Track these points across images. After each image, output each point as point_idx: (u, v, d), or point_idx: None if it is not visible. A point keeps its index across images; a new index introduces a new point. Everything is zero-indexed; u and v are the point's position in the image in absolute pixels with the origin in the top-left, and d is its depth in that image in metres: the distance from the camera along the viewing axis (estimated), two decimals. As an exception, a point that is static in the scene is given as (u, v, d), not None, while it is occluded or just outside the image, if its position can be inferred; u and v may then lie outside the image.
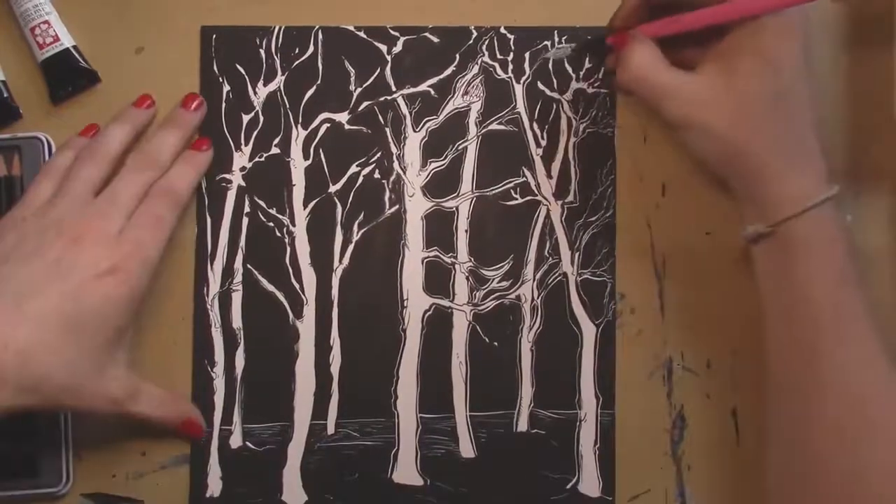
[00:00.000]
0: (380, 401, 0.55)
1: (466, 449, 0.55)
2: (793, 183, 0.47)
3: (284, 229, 0.55)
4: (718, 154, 0.49)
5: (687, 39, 0.50)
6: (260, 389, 0.55)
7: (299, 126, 0.56)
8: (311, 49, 0.56)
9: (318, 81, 0.56)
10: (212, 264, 0.55)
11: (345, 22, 0.56)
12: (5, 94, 0.55)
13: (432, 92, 0.56)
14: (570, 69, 0.56)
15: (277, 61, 0.56)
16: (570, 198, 0.56)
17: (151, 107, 0.55)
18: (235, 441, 0.54)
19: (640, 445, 0.55)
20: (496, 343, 0.55)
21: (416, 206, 0.56)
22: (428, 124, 0.56)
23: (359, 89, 0.56)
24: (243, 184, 0.55)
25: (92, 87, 0.56)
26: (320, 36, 0.56)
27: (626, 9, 0.51)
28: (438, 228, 0.55)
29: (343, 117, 0.56)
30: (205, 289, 0.55)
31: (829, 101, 0.56)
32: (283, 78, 0.56)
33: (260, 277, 0.55)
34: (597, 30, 0.55)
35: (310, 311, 0.55)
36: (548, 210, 0.56)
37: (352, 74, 0.56)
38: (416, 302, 0.55)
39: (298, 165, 0.56)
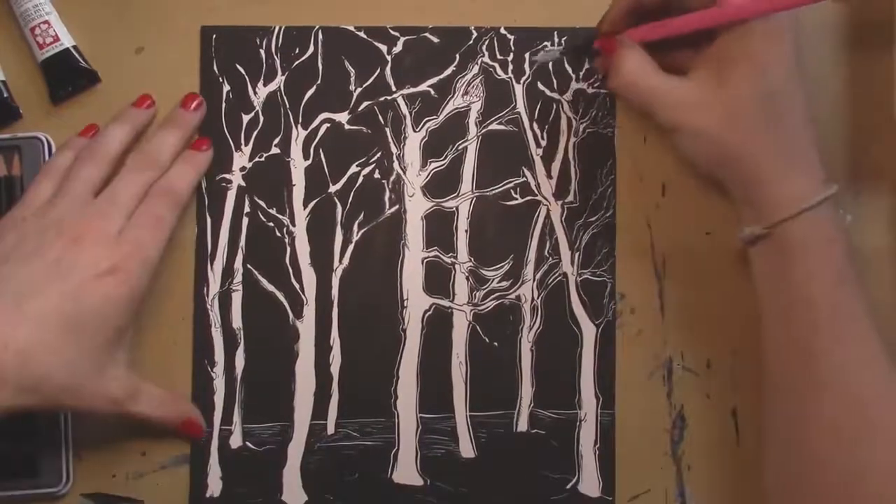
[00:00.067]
0: (380, 401, 0.55)
1: (466, 449, 0.55)
2: (788, 184, 0.47)
3: (284, 229, 0.55)
4: (712, 157, 0.49)
5: (676, 44, 0.50)
6: (260, 389, 0.55)
7: (299, 126, 0.56)
8: (311, 49, 0.56)
9: (318, 81, 0.56)
10: (212, 264, 0.55)
11: (345, 22, 0.56)
12: (5, 94, 0.55)
13: (432, 92, 0.56)
14: (569, 69, 0.56)
15: (277, 61, 0.56)
16: (570, 198, 0.56)
17: (151, 107, 0.55)
18: (235, 441, 0.54)
19: (640, 445, 0.55)
20: (496, 343, 0.55)
21: (416, 206, 0.56)
22: (428, 124, 0.56)
23: (359, 89, 0.56)
24: (243, 184, 0.55)
25: (92, 87, 0.56)
26: (320, 36, 0.56)
27: (614, 13, 0.51)
28: (438, 228, 0.55)
29: (343, 117, 0.56)
30: (205, 289, 0.55)
31: (829, 101, 0.56)
32: (283, 78, 0.56)
33: (260, 277, 0.55)
34: (589, 33, 0.55)
35: (310, 311, 0.55)
36: (548, 210, 0.56)
37: (352, 74, 0.56)
38: (416, 302, 0.55)
39: (298, 165, 0.56)
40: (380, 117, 0.56)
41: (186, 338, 0.55)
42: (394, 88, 0.56)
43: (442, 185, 0.56)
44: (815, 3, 0.47)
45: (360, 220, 0.55)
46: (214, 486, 0.54)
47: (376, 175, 0.56)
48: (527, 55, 0.56)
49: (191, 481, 0.54)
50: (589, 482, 0.54)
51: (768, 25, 0.47)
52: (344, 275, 0.55)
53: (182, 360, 0.55)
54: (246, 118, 0.56)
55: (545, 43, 0.56)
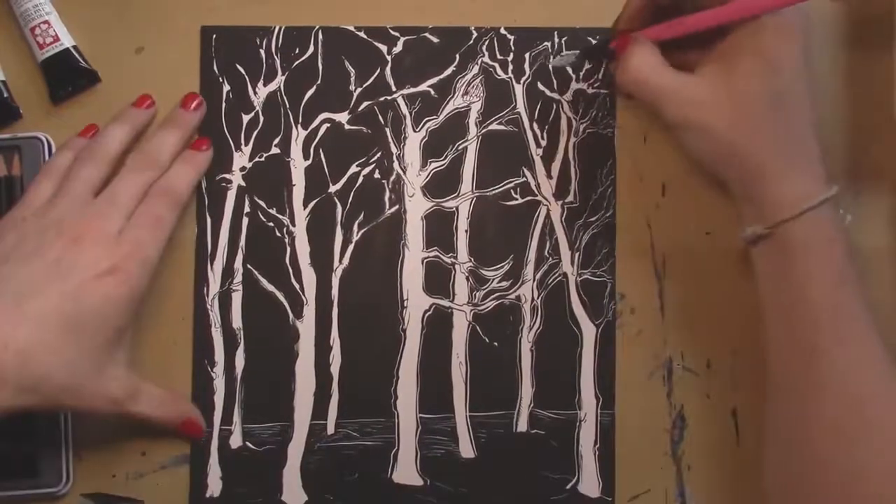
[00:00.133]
0: (380, 401, 0.55)
1: (466, 449, 0.55)
2: (791, 184, 0.47)
3: (284, 229, 0.55)
4: (717, 155, 0.49)
5: (689, 42, 0.50)
6: (260, 389, 0.55)
7: (299, 126, 0.56)
8: (312, 49, 0.56)
9: (318, 81, 0.56)
10: (212, 264, 0.55)
11: (345, 22, 0.56)
12: (5, 94, 0.55)
13: (432, 92, 0.56)
14: (569, 69, 0.56)
15: (277, 61, 0.56)
16: (570, 198, 0.56)
17: (151, 107, 0.55)
18: (235, 441, 0.54)
19: (640, 445, 0.55)
20: (496, 343, 0.55)
21: (416, 206, 0.56)
22: (428, 124, 0.56)
23: (359, 89, 0.56)
24: (243, 184, 0.55)
25: (92, 87, 0.56)
26: (320, 36, 0.56)
27: (629, 11, 0.51)
28: (438, 228, 0.55)
29: (343, 117, 0.56)
30: (205, 289, 0.55)
31: (828, 101, 0.56)
32: (283, 78, 0.56)
33: (260, 277, 0.55)
34: (596, 31, 0.55)
35: (310, 311, 0.55)
36: (548, 210, 0.56)
37: (352, 74, 0.56)
38: (416, 302, 0.55)
39: (298, 165, 0.56)
40: (380, 117, 0.56)
41: (186, 338, 0.55)
42: (394, 88, 0.56)
43: (442, 185, 0.56)
44: None
45: (360, 220, 0.55)
46: (214, 486, 0.54)
47: (376, 175, 0.56)
48: (527, 55, 0.56)
49: (191, 481, 0.54)
50: (589, 482, 0.54)
51: (780, 22, 0.47)
52: (344, 275, 0.55)
53: (182, 360, 0.55)
54: (246, 118, 0.56)
55: (545, 43, 0.56)
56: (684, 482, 0.55)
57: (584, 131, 0.56)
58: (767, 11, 0.47)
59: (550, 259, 0.55)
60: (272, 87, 0.56)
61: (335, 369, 0.55)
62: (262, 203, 0.55)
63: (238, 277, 0.55)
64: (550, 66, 0.56)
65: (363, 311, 0.55)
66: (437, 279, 0.55)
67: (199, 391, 0.54)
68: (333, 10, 0.56)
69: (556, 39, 0.56)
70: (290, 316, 0.55)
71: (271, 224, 0.55)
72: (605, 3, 0.53)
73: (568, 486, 0.54)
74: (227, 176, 0.55)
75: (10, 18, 0.55)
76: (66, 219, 0.49)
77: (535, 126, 0.56)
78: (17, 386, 0.46)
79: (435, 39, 0.56)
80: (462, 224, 0.56)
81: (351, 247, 0.55)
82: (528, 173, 0.56)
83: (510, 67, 0.56)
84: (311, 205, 0.55)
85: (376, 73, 0.56)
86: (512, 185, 0.56)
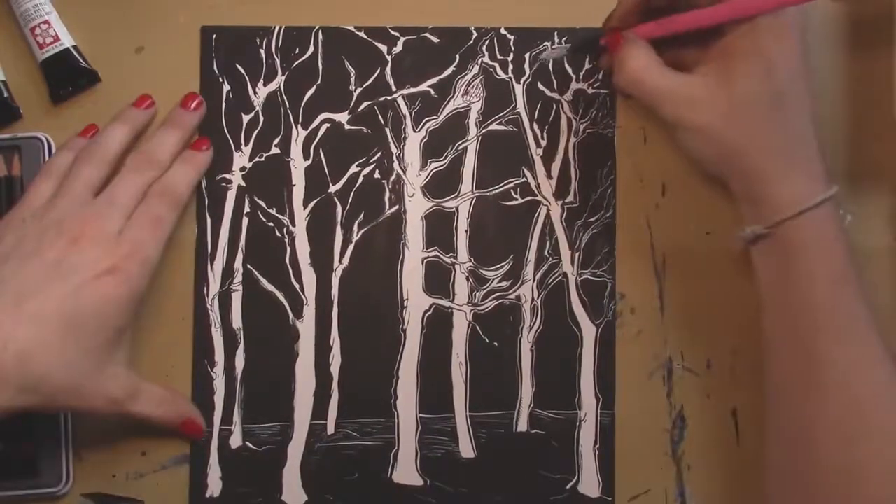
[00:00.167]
0: (380, 401, 0.55)
1: (466, 449, 0.55)
2: (790, 184, 0.47)
3: (284, 229, 0.55)
4: (715, 155, 0.49)
5: (682, 40, 0.50)
6: (260, 389, 0.55)
7: (299, 126, 0.56)
8: (312, 49, 0.56)
9: (318, 81, 0.56)
10: (212, 264, 0.55)
11: (345, 22, 0.56)
12: (5, 94, 0.55)
13: (432, 92, 0.56)
14: (570, 69, 0.56)
15: (277, 61, 0.56)
16: (570, 198, 0.56)
17: (151, 107, 0.55)
18: (235, 441, 0.54)
19: (640, 445, 0.55)
20: (496, 343, 0.55)
21: (416, 206, 0.56)
22: (428, 124, 0.56)
23: (359, 89, 0.56)
24: (243, 184, 0.55)
25: (92, 87, 0.56)
26: (320, 36, 0.56)
27: (622, 9, 0.51)
28: (438, 228, 0.55)
29: (343, 117, 0.56)
30: (205, 289, 0.55)
31: (828, 100, 0.56)
32: (284, 78, 0.56)
33: (260, 277, 0.55)
34: (596, 31, 0.55)
35: (310, 310, 0.55)
36: (548, 210, 0.56)
37: (352, 74, 0.56)
38: (416, 302, 0.55)
39: (298, 165, 0.56)
40: (380, 117, 0.56)
41: (186, 338, 0.55)
42: (394, 88, 0.56)
43: (442, 185, 0.56)
44: None
45: (360, 220, 0.55)
46: (214, 486, 0.54)
47: (376, 175, 0.56)
48: (527, 55, 0.56)
49: (191, 481, 0.54)
50: (589, 482, 0.54)
51: (776, 23, 0.47)
52: (344, 275, 0.55)
53: (182, 360, 0.55)
54: (246, 118, 0.56)
55: (545, 44, 0.56)
56: (684, 482, 0.55)
57: (584, 131, 0.56)
58: (764, 13, 0.47)
59: (550, 259, 0.55)
60: (272, 87, 0.56)
61: (335, 369, 0.55)
62: (262, 203, 0.55)
63: (238, 277, 0.55)
64: (545, 58, 0.55)
65: (363, 311, 0.55)
66: (437, 279, 0.55)
67: (198, 391, 0.54)
68: (333, 10, 0.56)
69: (556, 39, 0.56)
70: (290, 316, 0.55)
71: (271, 224, 0.55)
72: (606, 3, 0.53)
73: (568, 486, 0.54)
74: (227, 176, 0.55)
75: (10, 18, 0.55)
76: (66, 219, 0.49)
77: (535, 126, 0.56)
78: (17, 386, 0.46)
79: (435, 39, 0.56)
80: (462, 224, 0.56)
81: (351, 247, 0.55)
82: (528, 173, 0.56)
83: (510, 67, 0.56)
84: (311, 205, 0.55)
85: (376, 73, 0.56)
86: (512, 185, 0.56)
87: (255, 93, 0.56)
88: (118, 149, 0.53)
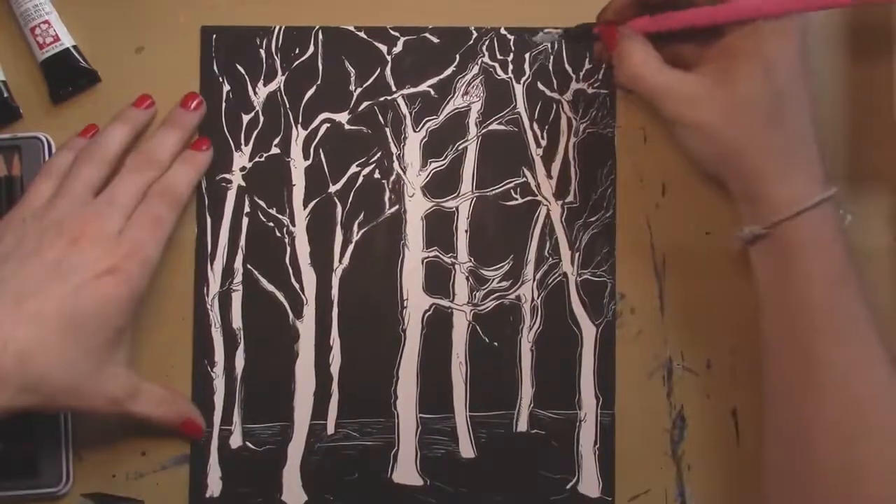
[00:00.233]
0: (380, 401, 0.55)
1: (466, 449, 0.55)
2: (789, 185, 0.47)
3: (284, 229, 0.55)
4: (714, 154, 0.49)
5: (682, 38, 0.50)
6: (260, 389, 0.55)
7: (299, 126, 0.56)
8: (312, 49, 0.56)
9: (318, 81, 0.56)
10: (212, 264, 0.55)
11: (345, 22, 0.56)
12: (5, 94, 0.55)
13: (432, 92, 0.56)
14: (569, 69, 0.56)
15: (277, 61, 0.56)
16: (570, 198, 0.56)
17: (151, 107, 0.55)
18: (235, 441, 0.54)
19: (640, 445, 0.55)
20: (496, 343, 0.55)
21: (416, 206, 0.56)
22: (428, 124, 0.56)
23: (359, 89, 0.56)
24: (243, 184, 0.55)
25: (92, 87, 0.56)
26: (320, 36, 0.56)
27: (618, 2, 0.51)
28: (438, 228, 0.55)
29: (343, 117, 0.56)
30: (205, 288, 0.55)
31: (829, 103, 0.56)
32: (284, 78, 0.56)
33: (260, 277, 0.55)
34: (590, 23, 0.56)
35: (310, 310, 0.55)
36: (548, 210, 0.56)
37: (352, 74, 0.56)
38: (416, 302, 0.55)
39: (298, 165, 0.56)
40: (380, 117, 0.56)
41: (186, 338, 0.55)
42: (394, 88, 0.56)
43: (442, 185, 0.56)
44: (835, 7, 0.47)
45: (360, 220, 0.55)
46: (214, 486, 0.54)
47: (376, 175, 0.56)
48: (527, 55, 0.56)
49: (190, 481, 0.54)
50: (589, 482, 0.54)
51: (778, 24, 0.47)
52: (344, 275, 0.55)
53: (182, 360, 0.55)
54: (246, 118, 0.56)
55: (545, 42, 0.56)
56: (684, 482, 0.55)
57: (584, 131, 0.56)
58: (767, 17, 0.47)
59: (550, 259, 0.55)
60: (272, 86, 0.56)
61: (335, 369, 0.55)
62: (262, 203, 0.55)
63: (238, 277, 0.55)
64: (536, 41, 0.55)
65: (363, 311, 0.55)
66: (437, 279, 0.55)
67: (198, 391, 0.54)
68: (333, 10, 0.56)
69: (553, 33, 0.56)
70: (290, 316, 0.55)
71: (271, 224, 0.55)
72: (606, 3, 0.53)
73: (568, 486, 0.54)
74: (227, 176, 0.55)
75: (10, 18, 0.55)
76: (66, 219, 0.49)
77: (535, 126, 0.56)
78: (17, 386, 0.46)
79: (435, 39, 0.56)
80: (462, 224, 0.56)
81: (351, 247, 0.55)
82: (528, 173, 0.56)
83: (510, 67, 0.56)
84: (311, 205, 0.55)
85: (376, 73, 0.56)
86: (512, 185, 0.56)
87: (255, 93, 0.56)
88: (118, 149, 0.53)
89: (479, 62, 0.56)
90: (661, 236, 0.56)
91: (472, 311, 0.55)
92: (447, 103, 0.56)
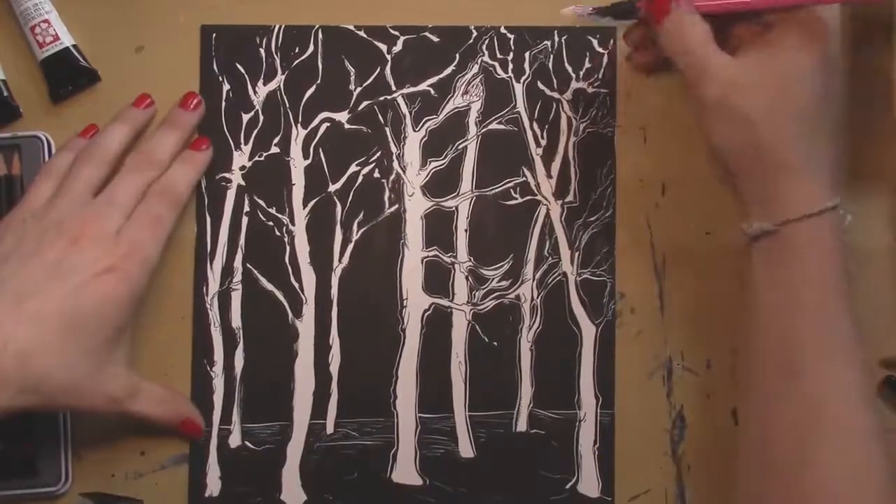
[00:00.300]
0: (379, 400, 0.55)
1: (466, 449, 0.55)
2: (809, 184, 0.47)
3: (284, 228, 0.55)
4: (743, 144, 0.47)
5: (724, 20, 0.49)
6: (259, 389, 0.55)
7: (299, 125, 0.56)
8: (311, 48, 0.56)
9: (318, 81, 0.56)
10: (211, 263, 0.55)
11: (345, 21, 0.56)
12: (5, 93, 0.55)
13: (432, 91, 0.56)
14: (569, 68, 0.56)
15: (277, 60, 0.56)
16: (570, 197, 0.56)
17: (150, 106, 0.55)
18: (234, 440, 0.54)
19: (640, 445, 0.55)
20: (496, 343, 0.55)
21: (416, 206, 0.55)
22: (428, 124, 0.56)
23: (359, 89, 0.56)
24: (243, 183, 0.55)
25: (92, 86, 0.56)
26: (320, 35, 0.56)
27: None
28: (438, 228, 0.55)
29: (343, 117, 0.56)
30: (204, 288, 0.55)
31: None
32: (283, 77, 0.56)
33: (259, 277, 0.55)
34: (597, 31, 0.56)
35: (309, 310, 0.55)
36: (548, 210, 0.56)
37: (352, 74, 0.56)
38: (416, 301, 0.55)
39: (298, 165, 0.56)
40: (380, 117, 0.56)
41: (186, 337, 0.55)
42: (394, 88, 0.56)
43: (442, 184, 0.56)
44: None
45: (359, 219, 0.55)
46: (213, 485, 0.54)
47: (376, 174, 0.56)
48: (527, 54, 0.56)
49: (190, 481, 0.54)
50: (588, 482, 0.54)
51: (827, 22, 0.47)
52: (343, 274, 0.55)
53: (181, 360, 0.55)
54: (246, 117, 0.56)
55: (545, 42, 0.56)
56: (684, 482, 0.55)
57: (584, 131, 0.56)
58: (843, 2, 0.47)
59: (550, 258, 0.55)
60: (272, 86, 0.56)
61: (334, 369, 0.55)
62: (261, 202, 0.55)
63: (237, 277, 0.55)
64: (566, 14, 0.52)
65: (363, 310, 0.55)
66: (437, 279, 0.55)
67: (198, 390, 0.54)
68: (333, 9, 0.56)
69: (556, 39, 0.56)
70: (290, 315, 0.55)
71: (271, 223, 0.55)
72: (606, 3, 0.53)
73: (567, 486, 0.54)
74: (226, 175, 0.55)
75: (10, 17, 0.55)
76: (66, 219, 0.50)
77: (535, 125, 0.56)
78: (17, 386, 0.46)
79: (435, 39, 0.56)
80: (462, 223, 0.56)
81: (350, 246, 0.55)
82: (527, 173, 0.56)
83: (510, 67, 0.56)
84: (310, 204, 0.55)
85: (376, 73, 0.56)
86: (512, 184, 0.56)
87: (255, 92, 0.56)
88: (118, 149, 0.53)
89: (479, 61, 0.56)
90: (661, 236, 0.56)
91: (471, 310, 0.55)
92: (447, 103, 0.56)
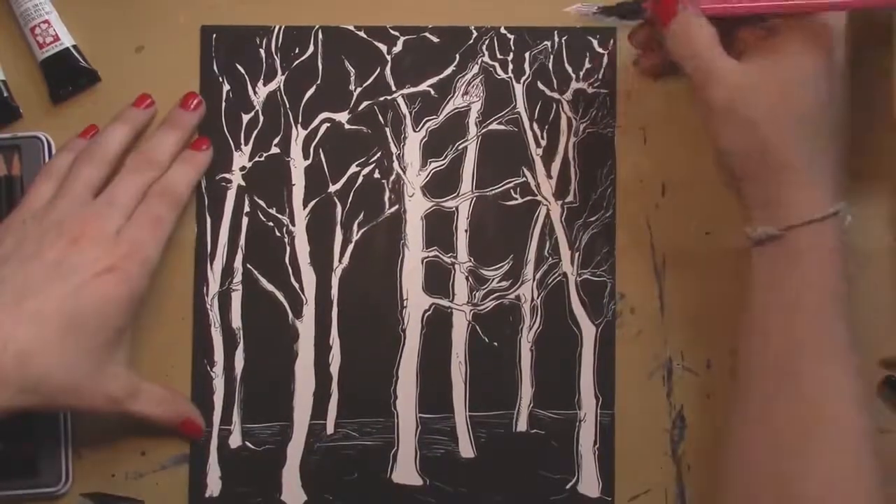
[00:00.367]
0: (379, 401, 0.55)
1: (466, 449, 0.55)
2: (810, 189, 0.47)
3: (284, 229, 0.55)
4: (747, 148, 0.47)
5: (728, 24, 0.49)
6: (259, 389, 0.55)
7: (299, 126, 0.56)
8: (311, 49, 0.56)
9: (318, 81, 0.56)
10: (211, 264, 0.55)
11: (345, 22, 0.56)
12: (5, 94, 0.55)
13: (432, 92, 0.56)
14: (569, 69, 0.56)
15: (277, 61, 0.56)
16: (570, 198, 0.56)
17: (151, 107, 0.55)
18: (235, 441, 0.54)
19: (640, 445, 0.55)
20: (496, 343, 0.55)
21: (416, 206, 0.56)
22: (428, 124, 0.56)
23: (359, 89, 0.56)
24: (243, 183, 0.55)
25: (92, 87, 0.56)
26: (320, 36, 0.56)
27: None
28: (438, 228, 0.55)
29: (343, 117, 0.56)
30: (204, 288, 0.55)
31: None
32: (283, 77, 0.56)
33: (259, 277, 0.55)
34: (597, 31, 0.55)
35: (309, 310, 0.55)
36: (548, 210, 0.56)
37: (352, 74, 0.56)
38: (416, 302, 0.55)
39: (298, 165, 0.56)
40: (380, 117, 0.56)
41: (186, 337, 0.55)
42: (394, 88, 0.56)
43: (442, 185, 0.56)
44: None
45: (359, 219, 0.55)
46: (214, 485, 0.54)
47: (376, 175, 0.56)
48: (527, 55, 0.56)
49: (190, 481, 0.54)
50: (588, 482, 0.54)
51: (832, 28, 0.47)
52: (343, 274, 0.55)
53: (182, 360, 0.55)
54: (246, 118, 0.56)
55: (545, 42, 0.56)
56: (684, 482, 0.55)
57: (584, 131, 0.56)
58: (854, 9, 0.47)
59: (550, 259, 0.55)
60: (272, 86, 0.56)
61: (335, 369, 0.55)
62: (261, 203, 0.55)
63: (238, 277, 0.55)
64: (571, 11, 0.52)
65: (363, 310, 0.55)
66: (437, 279, 0.55)
67: (198, 391, 0.54)
68: (333, 9, 0.56)
69: (556, 39, 0.56)
70: (290, 315, 0.55)
71: (271, 224, 0.55)
72: (611, 3, 0.53)
73: (568, 486, 0.54)
74: (226, 176, 0.55)
75: (10, 18, 0.55)
76: (66, 220, 0.50)
77: (535, 126, 0.56)
78: (17, 386, 0.46)
79: (435, 39, 0.56)
80: (462, 224, 0.56)
81: (351, 246, 0.55)
82: (528, 173, 0.56)
83: (510, 67, 0.56)
84: (310, 204, 0.55)
85: (376, 73, 0.56)
86: (512, 184, 0.56)
87: (255, 92, 0.56)
88: (118, 149, 0.53)
89: (479, 62, 0.56)
90: (661, 236, 0.56)
91: (471, 310, 0.55)
92: (447, 103, 0.56)
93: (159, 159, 0.53)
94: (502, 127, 0.56)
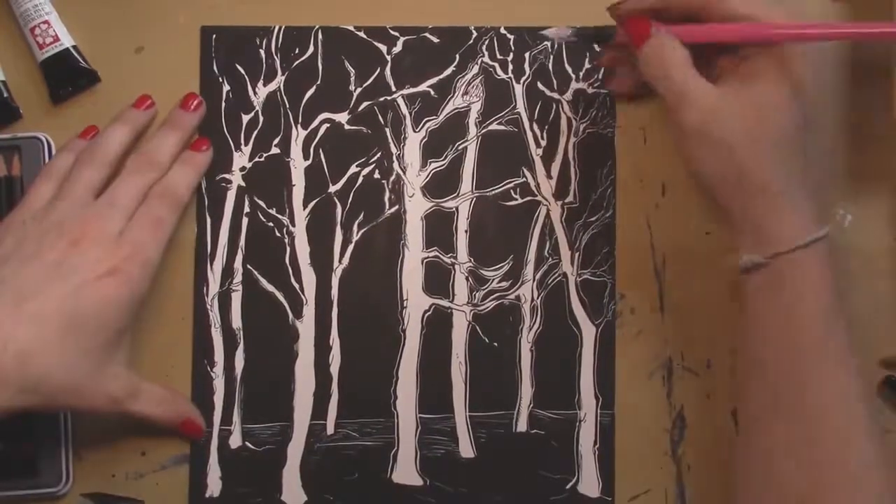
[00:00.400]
0: (379, 401, 0.55)
1: (466, 449, 0.55)
2: (791, 215, 0.46)
3: (284, 229, 0.55)
4: (724, 172, 0.47)
5: (702, 47, 0.49)
6: (259, 389, 0.55)
7: (299, 126, 0.56)
8: (311, 49, 0.56)
9: (318, 81, 0.56)
10: (211, 264, 0.55)
11: (345, 22, 0.56)
12: (5, 94, 0.55)
13: (432, 92, 0.56)
14: (569, 69, 0.56)
15: (277, 61, 0.56)
16: (570, 198, 0.56)
17: (151, 107, 0.55)
18: (235, 441, 0.54)
19: (640, 445, 0.55)
20: (496, 343, 0.55)
21: (416, 207, 0.56)
22: (428, 124, 0.56)
23: (359, 89, 0.56)
24: (243, 184, 0.55)
25: (92, 87, 0.56)
26: (320, 36, 0.56)
27: (635, 3, 0.50)
28: (438, 228, 0.55)
29: (343, 117, 0.56)
30: (204, 289, 0.55)
31: (829, 101, 0.55)
32: (283, 78, 0.56)
33: (259, 277, 0.55)
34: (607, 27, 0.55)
35: (309, 310, 0.55)
36: (548, 210, 0.56)
37: (352, 74, 0.56)
38: (416, 302, 0.55)
39: (298, 165, 0.56)
40: (380, 117, 0.56)
41: (186, 338, 0.55)
42: (394, 88, 0.56)
43: (442, 185, 0.56)
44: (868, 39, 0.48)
45: (359, 220, 0.55)
46: (214, 486, 0.54)
47: (376, 175, 0.56)
48: (527, 55, 0.56)
49: (190, 481, 0.54)
50: (588, 482, 0.54)
51: (806, 50, 0.47)
52: (344, 275, 0.55)
53: (182, 360, 0.55)
54: (246, 118, 0.56)
55: (545, 43, 0.56)
56: (684, 482, 0.55)
57: (584, 131, 0.56)
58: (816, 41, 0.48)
59: (550, 259, 0.55)
60: (272, 86, 0.56)
61: (335, 369, 0.55)
62: (261, 203, 0.55)
63: (238, 277, 0.55)
64: (547, 36, 0.53)
65: (363, 311, 0.55)
66: (437, 279, 0.55)
67: (198, 391, 0.54)
68: (333, 10, 0.56)
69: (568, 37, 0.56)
70: (290, 316, 0.55)
71: (271, 224, 0.55)
72: (606, 3, 0.53)
73: (568, 486, 0.54)
74: (226, 176, 0.55)
75: (10, 18, 0.55)
76: (67, 221, 0.50)
77: (535, 126, 0.56)
78: (17, 386, 0.46)
79: (435, 39, 0.56)
80: (462, 224, 0.56)
81: (351, 247, 0.55)
82: (527, 173, 0.56)
83: (510, 67, 0.56)
84: (310, 205, 0.55)
85: (376, 73, 0.56)
86: (512, 185, 0.56)
87: (255, 93, 0.56)
88: (118, 150, 0.53)
89: (479, 62, 0.56)
90: (661, 236, 0.56)
91: (471, 311, 0.55)
92: (447, 103, 0.56)
93: (160, 160, 0.53)
94: (502, 127, 0.56)
